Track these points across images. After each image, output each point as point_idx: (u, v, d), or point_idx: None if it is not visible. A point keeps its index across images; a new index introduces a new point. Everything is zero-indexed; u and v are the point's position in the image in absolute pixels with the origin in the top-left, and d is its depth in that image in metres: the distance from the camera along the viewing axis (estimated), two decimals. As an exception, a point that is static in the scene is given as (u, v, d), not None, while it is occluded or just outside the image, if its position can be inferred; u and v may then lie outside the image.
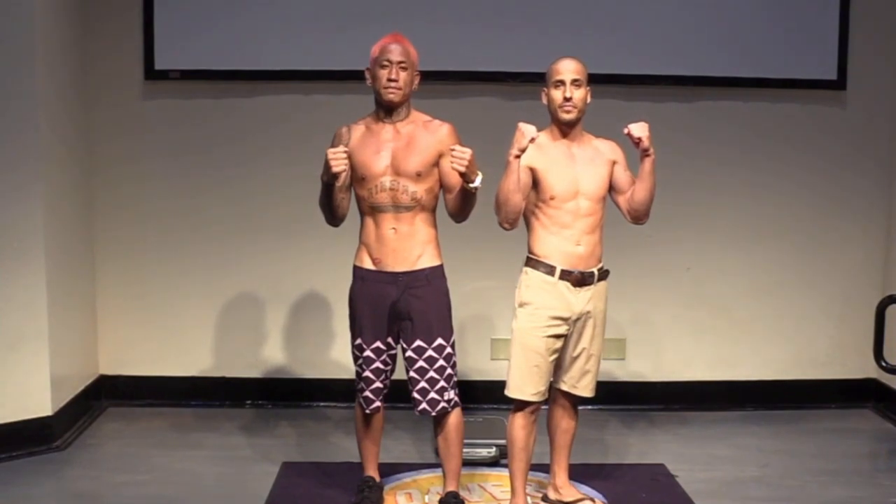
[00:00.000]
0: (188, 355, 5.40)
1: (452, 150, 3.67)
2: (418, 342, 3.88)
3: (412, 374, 3.91)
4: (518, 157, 3.67)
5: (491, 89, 5.26)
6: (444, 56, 5.11)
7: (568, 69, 3.80)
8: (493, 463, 4.59)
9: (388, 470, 4.39)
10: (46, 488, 4.37)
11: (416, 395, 3.93)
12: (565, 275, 3.83)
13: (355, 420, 4.12)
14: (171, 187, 5.33)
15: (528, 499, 4.04)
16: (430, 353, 3.88)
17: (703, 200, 5.42)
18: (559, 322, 3.85)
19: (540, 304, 3.84)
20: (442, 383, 3.91)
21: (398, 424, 4.93)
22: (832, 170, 5.44)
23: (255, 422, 5.21)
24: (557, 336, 3.86)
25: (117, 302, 5.38)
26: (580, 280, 3.84)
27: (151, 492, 4.30)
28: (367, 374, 3.96)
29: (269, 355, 5.43)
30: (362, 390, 4.00)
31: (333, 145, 3.83)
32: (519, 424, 3.92)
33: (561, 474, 4.12)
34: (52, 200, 4.76)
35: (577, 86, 3.80)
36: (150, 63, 5.20)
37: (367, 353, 3.94)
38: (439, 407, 3.92)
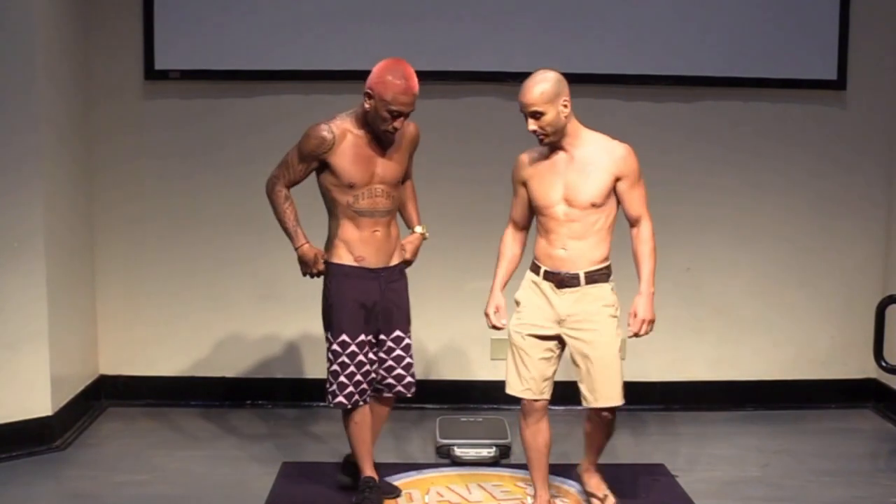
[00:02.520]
0: (188, 355, 5.40)
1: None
2: (397, 332, 4.09)
3: (390, 361, 4.10)
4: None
5: (491, 89, 5.25)
6: (444, 56, 5.11)
7: (523, 103, 3.73)
8: (493, 463, 4.59)
9: (389, 470, 4.39)
10: (46, 488, 4.37)
11: (391, 380, 4.12)
12: (549, 276, 3.88)
13: (345, 423, 4.13)
14: (172, 187, 5.33)
15: (548, 494, 4.07)
16: (406, 341, 4.13)
17: (703, 200, 5.41)
18: (542, 323, 3.89)
19: (526, 304, 3.92)
20: (413, 368, 4.18)
21: (398, 424, 4.93)
22: (832, 170, 5.44)
23: (255, 422, 5.21)
24: (541, 337, 3.90)
25: (117, 302, 5.38)
26: (562, 282, 3.85)
27: (151, 492, 4.30)
28: (352, 368, 3.99)
29: (269, 355, 5.43)
30: (344, 386, 4.00)
31: (314, 148, 3.87)
32: (524, 424, 3.99)
33: (586, 475, 4.21)
34: (52, 200, 4.76)
35: (536, 117, 3.73)
36: (150, 63, 5.20)
37: (353, 347, 3.98)
38: (412, 389, 4.19)
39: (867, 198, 5.46)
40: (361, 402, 4.05)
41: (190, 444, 4.86)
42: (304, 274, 4.07)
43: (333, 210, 3.98)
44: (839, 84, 5.33)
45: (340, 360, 3.99)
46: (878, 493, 4.35)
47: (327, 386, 4.06)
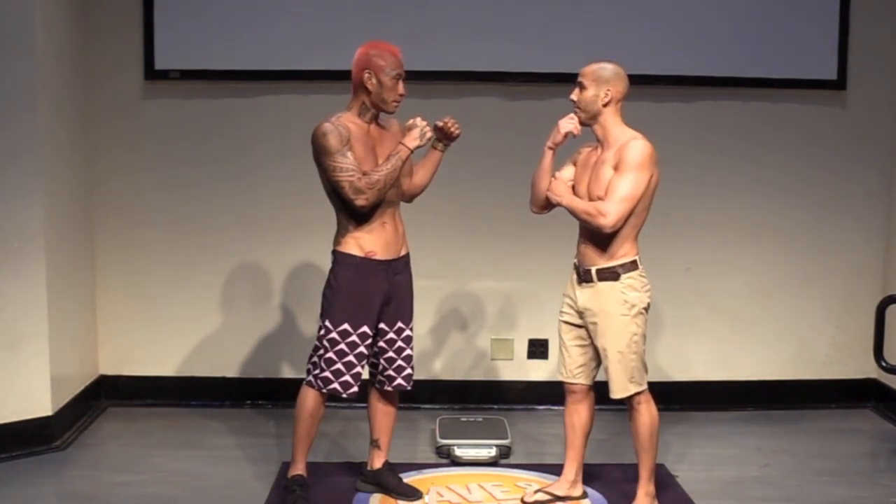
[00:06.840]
0: (188, 355, 5.41)
1: (446, 122, 3.98)
2: (399, 323, 4.11)
3: (391, 353, 4.11)
4: (551, 148, 3.91)
5: (491, 89, 5.26)
6: (445, 56, 5.11)
7: (580, 72, 3.90)
8: (493, 463, 4.59)
9: (389, 470, 4.40)
10: (46, 488, 4.37)
11: (391, 372, 4.13)
12: (575, 267, 4.02)
13: (301, 410, 4.13)
14: (172, 187, 5.33)
15: (573, 474, 4.18)
16: (406, 332, 4.14)
17: (703, 200, 5.41)
18: (569, 311, 4.04)
19: (565, 291, 4.08)
20: (413, 361, 4.19)
21: (398, 424, 4.90)
22: (832, 170, 5.44)
23: (255, 422, 5.21)
24: (570, 324, 4.04)
25: (117, 302, 5.38)
26: (580, 276, 3.98)
27: (151, 492, 4.30)
28: (351, 357, 4.00)
29: (269, 355, 5.43)
30: (340, 374, 4.00)
31: (339, 137, 3.84)
32: (565, 404, 4.16)
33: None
34: (53, 200, 4.75)
35: (579, 88, 3.89)
36: (150, 63, 5.20)
37: (353, 337, 3.99)
38: (411, 382, 4.19)
39: (867, 198, 5.46)
40: (355, 391, 4.04)
41: (190, 444, 4.86)
42: (422, 139, 3.96)
43: (342, 206, 3.97)
44: (839, 84, 5.33)
45: (338, 347, 3.99)
46: (878, 493, 4.35)
47: (317, 371, 4.02)
